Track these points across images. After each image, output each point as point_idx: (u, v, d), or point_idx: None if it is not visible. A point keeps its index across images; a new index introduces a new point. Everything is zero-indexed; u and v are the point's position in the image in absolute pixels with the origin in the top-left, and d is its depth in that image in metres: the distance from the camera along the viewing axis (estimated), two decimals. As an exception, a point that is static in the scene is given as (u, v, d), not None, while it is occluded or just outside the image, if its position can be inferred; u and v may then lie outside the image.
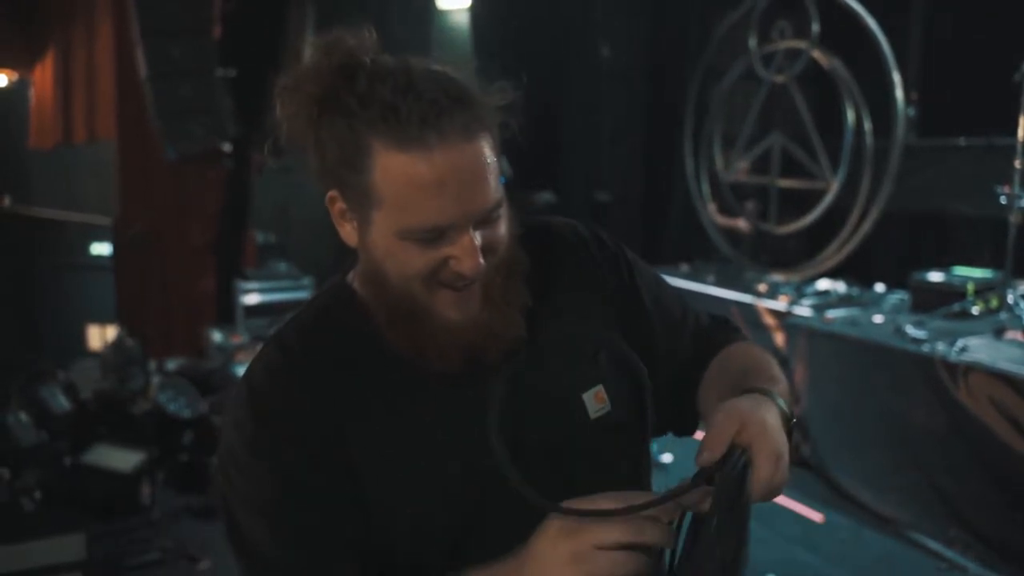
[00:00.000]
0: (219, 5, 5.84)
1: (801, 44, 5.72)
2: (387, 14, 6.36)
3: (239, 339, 5.87)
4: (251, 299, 6.23)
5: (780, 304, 5.05)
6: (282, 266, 6.58)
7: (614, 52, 7.35)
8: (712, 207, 6.60)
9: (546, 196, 6.74)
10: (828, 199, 5.57)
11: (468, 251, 0.98)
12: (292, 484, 1.02)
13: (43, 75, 8.15)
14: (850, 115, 5.45)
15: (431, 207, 0.96)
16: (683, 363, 1.23)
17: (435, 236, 0.97)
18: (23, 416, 4.24)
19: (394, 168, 0.95)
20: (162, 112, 5.60)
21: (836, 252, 5.47)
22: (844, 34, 5.44)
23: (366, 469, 1.03)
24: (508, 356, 1.05)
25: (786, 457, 0.96)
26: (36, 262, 6.53)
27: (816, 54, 5.63)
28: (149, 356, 5.49)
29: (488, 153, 0.99)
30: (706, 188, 6.56)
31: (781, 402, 1.02)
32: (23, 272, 6.33)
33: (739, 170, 6.37)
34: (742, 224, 6.33)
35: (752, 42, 6.03)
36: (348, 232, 1.05)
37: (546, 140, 7.31)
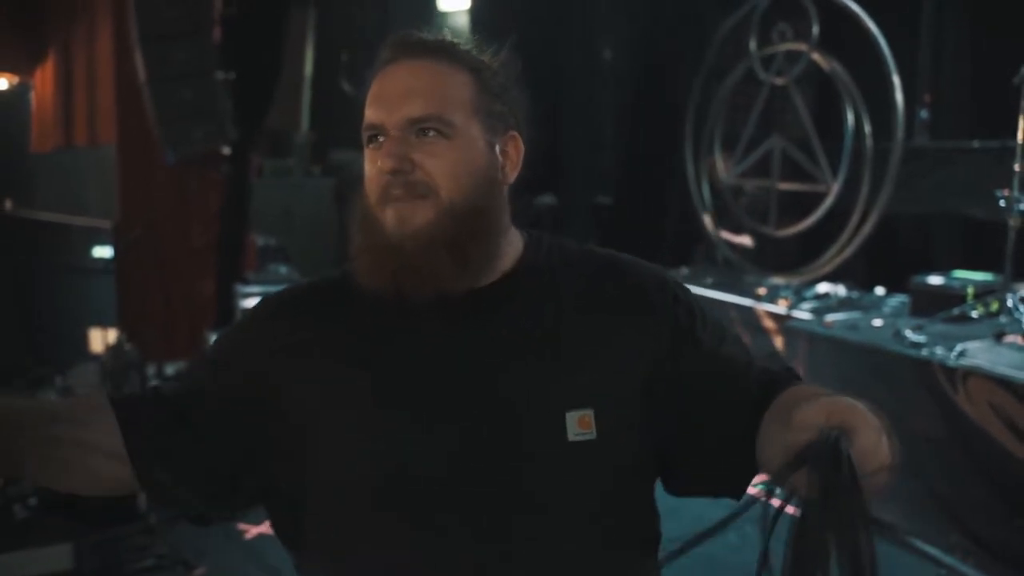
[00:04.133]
0: (218, 8, 5.84)
1: (801, 46, 5.72)
2: (388, 15, 6.37)
3: (238, 342, 5.85)
4: (251, 302, 6.22)
5: (780, 308, 5.05)
6: (282, 269, 6.56)
7: (615, 55, 7.35)
8: (710, 220, 6.58)
9: (547, 199, 6.74)
10: (828, 202, 5.57)
11: (385, 147, 1.08)
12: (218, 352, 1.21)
13: (44, 79, 8.15)
14: (850, 118, 5.45)
15: (371, 108, 1.10)
16: (749, 410, 1.10)
17: (373, 136, 1.10)
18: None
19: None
20: (162, 116, 5.60)
21: (836, 255, 5.46)
22: (844, 36, 5.44)
23: (301, 408, 1.11)
24: (444, 302, 1.09)
25: (886, 436, 0.89)
26: (37, 265, 6.51)
27: (816, 56, 5.63)
28: (150, 359, 5.47)
29: (445, 76, 1.10)
30: (707, 191, 6.56)
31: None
32: (24, 275, 6.31)
33: (739, 173, 6.37)
34: (745, 239, 6.35)
35: (752, 44, 6.03)
36: None
37: (547, 143, 7.30)
